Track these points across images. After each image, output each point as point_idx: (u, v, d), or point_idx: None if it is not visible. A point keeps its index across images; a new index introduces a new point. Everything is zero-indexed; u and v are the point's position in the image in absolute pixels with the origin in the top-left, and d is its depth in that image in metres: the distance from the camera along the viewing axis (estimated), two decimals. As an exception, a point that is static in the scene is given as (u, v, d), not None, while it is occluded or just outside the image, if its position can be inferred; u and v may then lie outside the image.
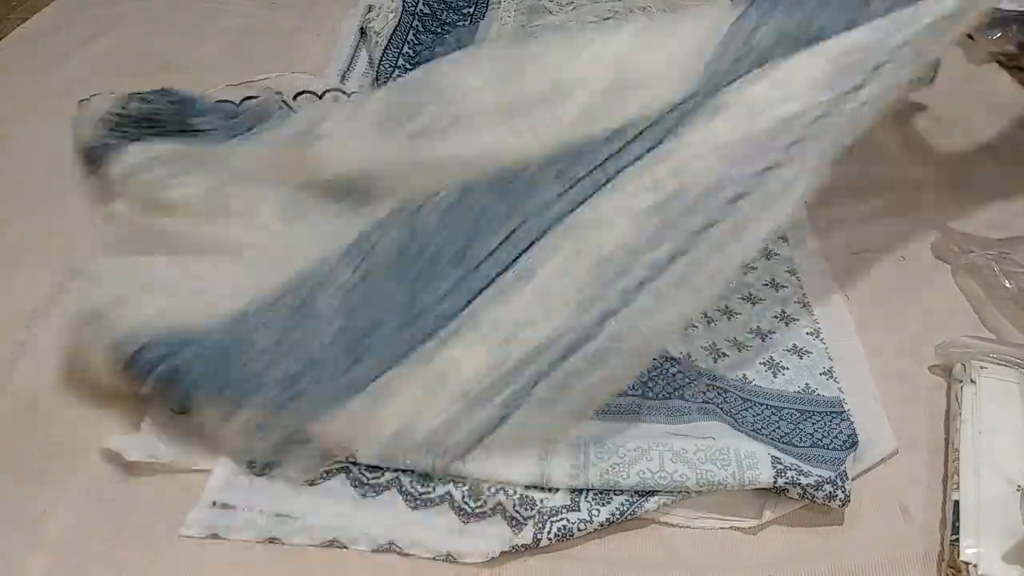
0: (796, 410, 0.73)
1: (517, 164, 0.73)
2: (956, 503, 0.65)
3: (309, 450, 0.67)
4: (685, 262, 0.66)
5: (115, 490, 0.67)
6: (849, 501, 0.64)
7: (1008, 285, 0.84)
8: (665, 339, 0.72)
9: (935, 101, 1.14)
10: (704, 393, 0.72)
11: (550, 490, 0.66)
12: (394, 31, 1.28)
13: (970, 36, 1.25)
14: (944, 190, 1.01)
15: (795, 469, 0.65)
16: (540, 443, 0.68)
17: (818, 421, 0.72)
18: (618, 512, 0.64)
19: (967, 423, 0.70)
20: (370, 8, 1.35)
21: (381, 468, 0.68)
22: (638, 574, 0.63)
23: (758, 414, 0.73)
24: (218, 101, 1.02)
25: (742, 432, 0.69)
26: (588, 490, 0.66)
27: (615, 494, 0.65)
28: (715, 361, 0.78)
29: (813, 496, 0.64)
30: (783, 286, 0.87)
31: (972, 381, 0.73)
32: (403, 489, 0.67)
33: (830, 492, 0.64)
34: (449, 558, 0.63)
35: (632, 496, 0.65)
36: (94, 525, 0.65)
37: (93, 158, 0.97)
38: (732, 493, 0.65)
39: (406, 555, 0.64)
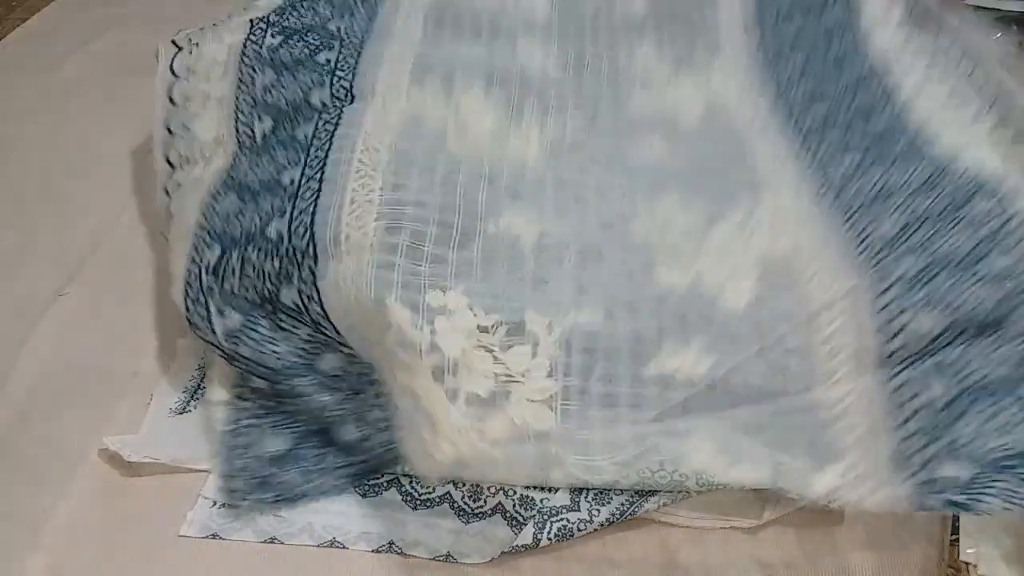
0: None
1: None
2: (956, 503, 0.65)
3: None
4: None
5: (115, 490, 0.67)
6: (849, 501, 0.64)
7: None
8: None
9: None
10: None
11: (550, 490, 0.66)
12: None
13: (970, 36, 1.25)
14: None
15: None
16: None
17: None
18: (618, 512, 0.64)
19: (967, 423, 0.70)
20: None
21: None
22: (638, 574, 0.63)
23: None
24: None
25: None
26: (588, 490, 0.66)
27: (615, 494, 0.65)
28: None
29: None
30: None
31: (972, 381, 0.73)
32: (403, 489, 0.67)
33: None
34: (449, 558, 0.63)
35: (632, 496, 0.65)
36: (94, 525, 0.65)
37: None
38: (732, 493, 0.64)
39: (406, 555, 0.64)
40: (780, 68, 0.90)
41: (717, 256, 0.70)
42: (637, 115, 0.86)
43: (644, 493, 0.65)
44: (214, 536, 0.64)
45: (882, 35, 0.92)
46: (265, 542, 0.64)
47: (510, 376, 0.62)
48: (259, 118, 0.81)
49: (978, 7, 1.22)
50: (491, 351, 0.62)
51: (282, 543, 0.64)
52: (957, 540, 0.62)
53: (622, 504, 0.64)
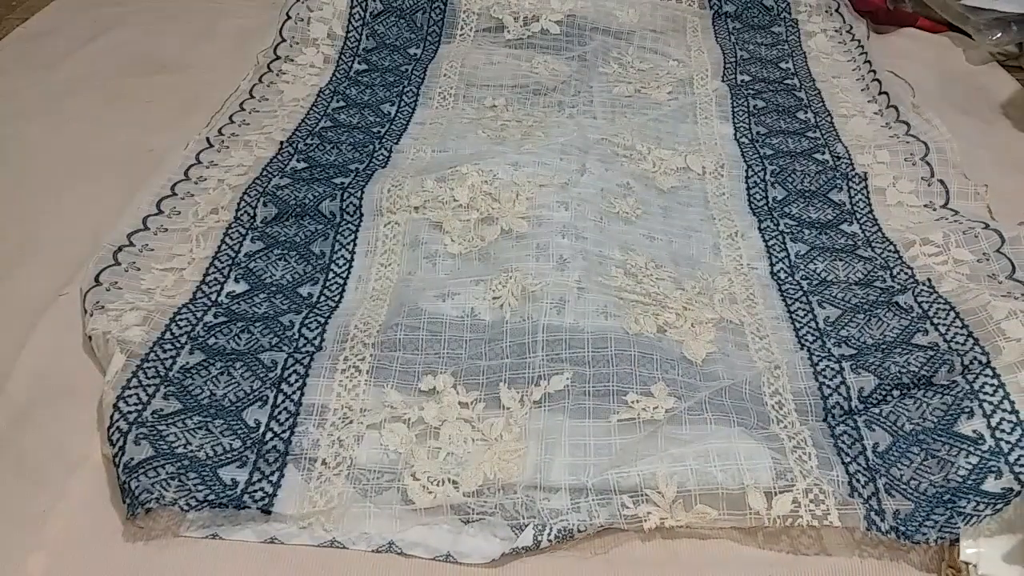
0: None
1: None
2: (956, 503, 0.65)
3: None
4: None
5: (115, 490, 0.67)
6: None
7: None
8: None
9: (936, 101, 1.14)
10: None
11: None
12: (317, 96, 1.15)
13: (970, 36, 1.25)
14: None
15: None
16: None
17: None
18: (618, 513, 0.64)
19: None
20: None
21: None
22: (638, 574, 0.63)
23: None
24: None
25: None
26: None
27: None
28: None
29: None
30: None
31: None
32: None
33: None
34: (449, 559, 0.63)
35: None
36: (94, 525, 0.65)
37: None
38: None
39: (406, 556, 0.64)
40: (752, 150, 1.06)
41: (681, 312, 0.80)
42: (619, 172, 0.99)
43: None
44: (214, 536, 0.64)
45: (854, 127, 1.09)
46: (265, 542, 0.64)
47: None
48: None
49: (978, 7, 1.22)
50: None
51: (282, 543, 0.64)
52: (957, 540, 0.62)
53: (623, 505, 0.64)
